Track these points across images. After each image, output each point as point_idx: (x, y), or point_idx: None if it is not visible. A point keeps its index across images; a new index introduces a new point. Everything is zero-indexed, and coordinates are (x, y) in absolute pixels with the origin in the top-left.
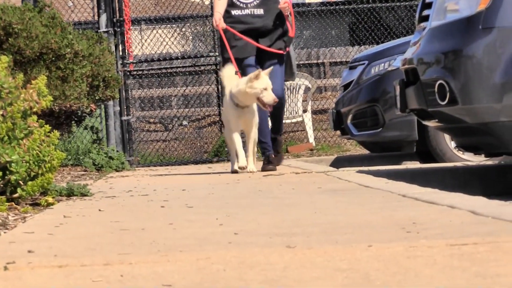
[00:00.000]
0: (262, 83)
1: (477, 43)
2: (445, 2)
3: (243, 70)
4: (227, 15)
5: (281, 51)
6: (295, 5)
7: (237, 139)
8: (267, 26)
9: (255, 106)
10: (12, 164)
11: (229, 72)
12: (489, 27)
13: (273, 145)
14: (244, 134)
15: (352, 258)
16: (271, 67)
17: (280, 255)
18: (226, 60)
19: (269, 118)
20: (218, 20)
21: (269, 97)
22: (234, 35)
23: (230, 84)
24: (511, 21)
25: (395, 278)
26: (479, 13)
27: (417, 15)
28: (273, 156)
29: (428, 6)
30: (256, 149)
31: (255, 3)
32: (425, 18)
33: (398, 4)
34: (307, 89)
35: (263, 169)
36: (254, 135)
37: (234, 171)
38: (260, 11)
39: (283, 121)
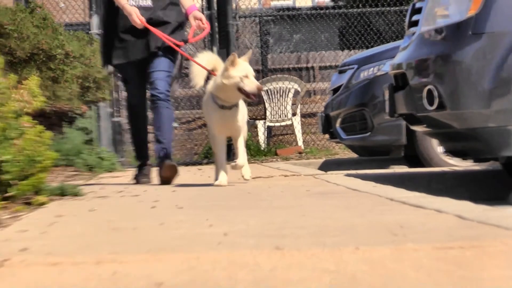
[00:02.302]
0: (240, 69)
1: (466, 48)
2: (435, 7)
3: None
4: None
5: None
6: (286, 9)
7: (219, 148)
8: (158, 18)
9: (242, 105)
10: (5, 164)
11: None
12: (479, 32)
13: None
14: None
15: (339, 260)
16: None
17: (269, 257)
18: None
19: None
20: (140, 16)
21: (252, 85)
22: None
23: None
24: (501, 27)
25: (381, 280)
26: (469, 18)
27: (406, 20)
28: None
29: (418, 11)
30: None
31: None
32: (415, 23)
33: (388, 8)
34: (296, 92)
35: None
36: (243, 138)
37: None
38: (148, 2)
39: (273, 124)
